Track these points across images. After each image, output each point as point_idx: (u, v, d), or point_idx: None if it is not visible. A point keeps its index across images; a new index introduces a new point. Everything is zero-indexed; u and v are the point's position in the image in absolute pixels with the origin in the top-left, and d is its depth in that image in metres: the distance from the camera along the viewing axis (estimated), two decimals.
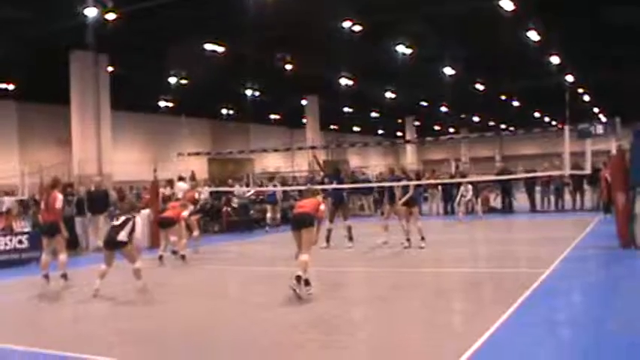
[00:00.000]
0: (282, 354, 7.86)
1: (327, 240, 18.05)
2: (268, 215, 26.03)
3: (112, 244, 12.30)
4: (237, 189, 27.80)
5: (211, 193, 27.76)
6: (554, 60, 36.03)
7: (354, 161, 69.04)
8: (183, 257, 17.01)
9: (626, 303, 9.91)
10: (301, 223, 11.35)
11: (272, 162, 58.89)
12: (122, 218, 12.43)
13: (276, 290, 12.24)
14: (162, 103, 47.03)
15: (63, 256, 14.00)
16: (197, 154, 29.05)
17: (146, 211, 21.06)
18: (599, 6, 26.86)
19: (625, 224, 15.43)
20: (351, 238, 17.94)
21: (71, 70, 30.62)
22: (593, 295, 10.71)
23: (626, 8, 27.18)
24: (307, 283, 10.99)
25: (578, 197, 28.58)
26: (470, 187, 26.36)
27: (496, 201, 30.48)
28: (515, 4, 24.77)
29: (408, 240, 17.15)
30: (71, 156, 31.73)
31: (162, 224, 17.72)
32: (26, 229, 18.91)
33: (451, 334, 8.44)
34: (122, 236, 12.16)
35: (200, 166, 46.18)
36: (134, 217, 12.54)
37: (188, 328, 9.38)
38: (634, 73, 38.55)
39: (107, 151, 31.84)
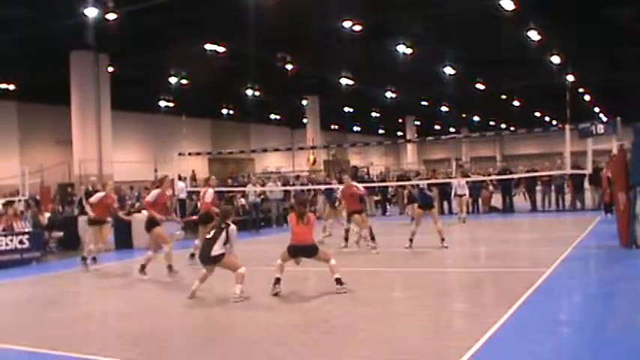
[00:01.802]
0: (285, 353, 7.85)
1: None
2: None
3: (206, 260, 11.65)
4: (249, 188, 27.72)
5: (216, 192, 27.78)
6: (555, 59, 35.97)
7: (355, 161, 69.08)
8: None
9: (626, 303, 9.91)
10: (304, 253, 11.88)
11: (272, 162, 58.90)
12: (216, 230, 11.65)
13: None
14: (162, 103, 46.97)
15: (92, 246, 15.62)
16: (198, 154, 29.07)
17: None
18: (600, 6, 26.87)
19: (626, 224, 15.42)
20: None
21: (72, 70, 30.63)
22: (594, 296, 10.70)
23: (626, 8, 27.23)
24: (340, 281, 11.43)
25: (578, 197, 28.59)
26: (464, 182, 25.90)
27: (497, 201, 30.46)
28: (515, 4, 24.73)
29: (411, 240, 17.05)
30: (72, 156, 31.74)
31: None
32: (27, 230, 18.88)
33: (452, 334, 8.44)
34: (216, 250, 11.47)
35: (201, 166, 46.22)
36: (228, 225, 11.70)
37: (187, 329, 9.39)
38: (635, 72, 38.57)
39: (107, 151, 31.84)
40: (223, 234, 11.55)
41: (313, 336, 8.57)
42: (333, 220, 21.87)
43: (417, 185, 18.54)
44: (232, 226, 11.78)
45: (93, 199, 16.34)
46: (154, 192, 15.08)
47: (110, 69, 32.03)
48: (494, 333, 8.06)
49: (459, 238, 18.89)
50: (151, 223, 14.67)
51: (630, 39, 32.28)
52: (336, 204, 21.80)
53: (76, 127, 31.18)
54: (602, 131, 15.98)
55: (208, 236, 11.69)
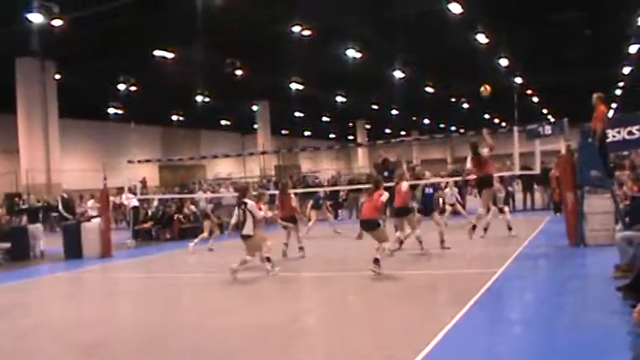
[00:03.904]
0: (237, 358, 7.78)
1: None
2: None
3: (242, 237, 13.59)
4: (199, 195, 27.44)
5: (161, 200, 27.58)
6: (503, 62, 36.45)
7: (306, 166, 69.11)
8: None
9: (575, 301, 10.02)
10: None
11: (224, 168, 58.66)
12: (241, 212, 13.58)
13: (229, 297, 12.19)
14: (111, 110, 46.50)
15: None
16: (147, 160, 28.82)
17: (97, 220, 20.81)
18: (547, 10, 27.29)
19: (574, 223, 15.62)
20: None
21: (17, 77, 30.21)
22: (544, 294, 10.81)
23: (571, 12, 27.70)
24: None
25: (528, 197, 28.93)
26: (455, 190, 24.42)
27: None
28: (463, 7, 24.99)
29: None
30: (19, 165, 31.29)
31: None
32: None
33: (406, 336, 8.43)
34: (247, 230, 13.41)
35: (151, 173, 45.83)
36: (246, 204, 13.53)
37: (139, 337, 9.27)
38: (581, 74, 39.24)
39: (56, 159, 31.47)
40: (248, 213, 13.38)
41: (266, 339, 8.51)
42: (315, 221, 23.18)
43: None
44: (250, 203, 13.62)
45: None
46: None
47: (57, 76, 31.65)
48: (446, 333, 8.09)
49: (411, 240, 18.89)
50: None
51: (576, 42, 32.88)
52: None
53: (22, 136, 30.75)
54: (550, 132, 16.26)
55: (241, 219, 13.59)
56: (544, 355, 7.29)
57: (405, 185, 15.84)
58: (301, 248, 16.63)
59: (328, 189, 29.44)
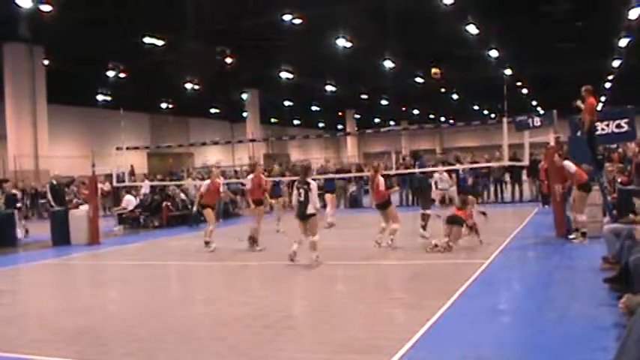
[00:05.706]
0: (225, 348, 7.77)
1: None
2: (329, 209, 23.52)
3: (303, 218, 13.56)
4: (188, 182, 27.31)
5: (152, 187, 27.50)
6: (493, 53, 36.46)
7: (295, 155, 69.00)
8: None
9: (562, 292, 10.05)
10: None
11: (212, 156, 58.52)
12: (302, 192, 13.49)
13: (216, 285, 12.18)
14: (100, 97, 46.32)
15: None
16: (136, 148, 28.71)
17: (85, 207, 20.73)
18: (537, 1, 27.32)
19: (562, 215, 15.66)
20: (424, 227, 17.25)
21: (5, 63, 30.04)
22: (531, 286, 10.83)
23: (561, 4, 27.72)
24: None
25: (517, 188, 28.95)
26: (446, 176, 24.10)
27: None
28: None
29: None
30: (6, 151, 31.13)
31: None
32: None
33: (392, 326, 8.44)
34: (310, 209, 13.45)
35: (140, 161, 45.67)
36: (309, 184, 13.55)
37: (127, 324, 9.24)
38: (570, 66, 39.31)
39: (44, 146, 31.31)
40: (310, 194, 13.42)
41: (254, 330, 8.50)
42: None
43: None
44: (313, 183, 13.71)
45: (203, 187, 17.67)
46: None
47: (46, 62, 31.46)
48: (433, 324, 8.11)
49: (406, 231, 18.86)
50: None
51: (566, 34, 32.91)
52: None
53: (10, 122, 30.61)
54: (539, 124, 16.23)
55: (301, 198, 13.48)
56: (531, 346, 7.30)
57: (380, 179, 15.80)
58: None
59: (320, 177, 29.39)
